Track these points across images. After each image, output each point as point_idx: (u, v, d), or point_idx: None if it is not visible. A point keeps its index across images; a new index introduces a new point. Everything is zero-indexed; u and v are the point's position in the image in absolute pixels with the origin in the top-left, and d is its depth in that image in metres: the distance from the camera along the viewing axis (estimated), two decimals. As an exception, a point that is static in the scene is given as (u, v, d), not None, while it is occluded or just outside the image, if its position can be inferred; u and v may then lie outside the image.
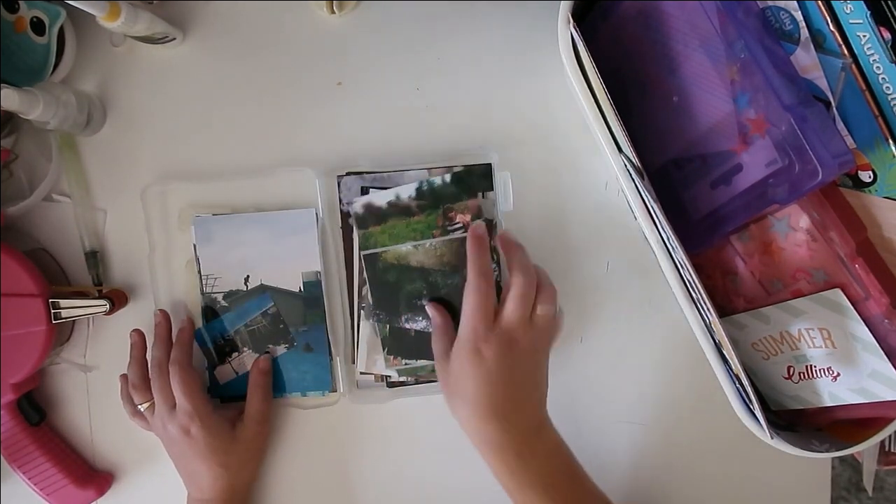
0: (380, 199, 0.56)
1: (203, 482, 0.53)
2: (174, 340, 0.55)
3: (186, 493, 0.55)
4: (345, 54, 0.58)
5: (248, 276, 0.57)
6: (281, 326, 0.57)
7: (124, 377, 0.56)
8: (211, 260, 0.57)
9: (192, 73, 0.58)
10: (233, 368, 0.57)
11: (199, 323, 0.57)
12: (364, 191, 0.57)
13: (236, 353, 0.57)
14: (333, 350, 0.57)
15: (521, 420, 0.48)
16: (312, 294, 0.57)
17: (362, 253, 0.56)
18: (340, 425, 0.59)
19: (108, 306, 0.54)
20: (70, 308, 0.53)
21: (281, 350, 0.57)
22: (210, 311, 0.57)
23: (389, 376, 0.57)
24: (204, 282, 0.56)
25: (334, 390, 0.57)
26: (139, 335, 0.56)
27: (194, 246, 0.57)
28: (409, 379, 0.57)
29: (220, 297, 0.57)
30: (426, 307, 0.55)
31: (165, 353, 0.54)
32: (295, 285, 0.57)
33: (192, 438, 0.52)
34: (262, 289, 0.56)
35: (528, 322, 0.49)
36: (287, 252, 0.56)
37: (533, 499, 0.48)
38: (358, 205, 0.56)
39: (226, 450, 0.53)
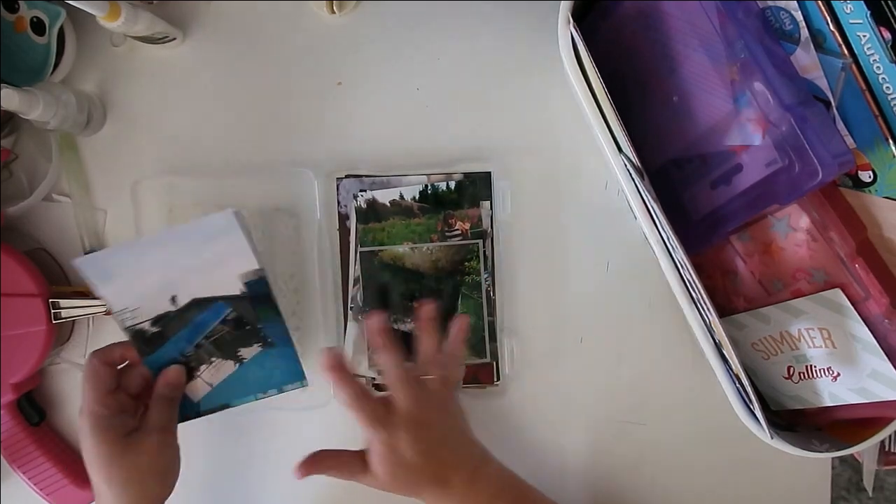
0: (383, 196, 0.56)
1: (96, 497, 0.49)
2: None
3: None
4: (345, 54, 0.58)
5: (174, 296, 0.52)
6: (248, 328, 0.53)
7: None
8: (119, 296, 0.50)
9: (192, 73, 0.58)
10: (205, 381, 0.54)
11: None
12: (362, 192, 0.57)
13: (205, 366, 0.53)
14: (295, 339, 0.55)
15: (459, 469, 0.49)
16: (258, 292, 0.52)
17: (360, 249, 0.56)
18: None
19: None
20: (70, 308, 0.53)
21: (255, 350, 0.54)
22: (142, 341, 0.52)
23: (374, 378, 0.57)
24: (120, 319, 0.51)
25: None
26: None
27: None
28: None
29: (147, 324, 0.51)
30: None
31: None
32: (235, 288, 0.52)
33: (82, 441, 0.48)
34: (197, 303, 0.52)
35: (421, 391, 0.49)
36: (213, 259, 0.51)
37: None
38: (361, 199, 0.56)
39: (110, 461, 0.47)
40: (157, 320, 0.52)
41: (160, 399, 0.51)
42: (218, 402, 0.54)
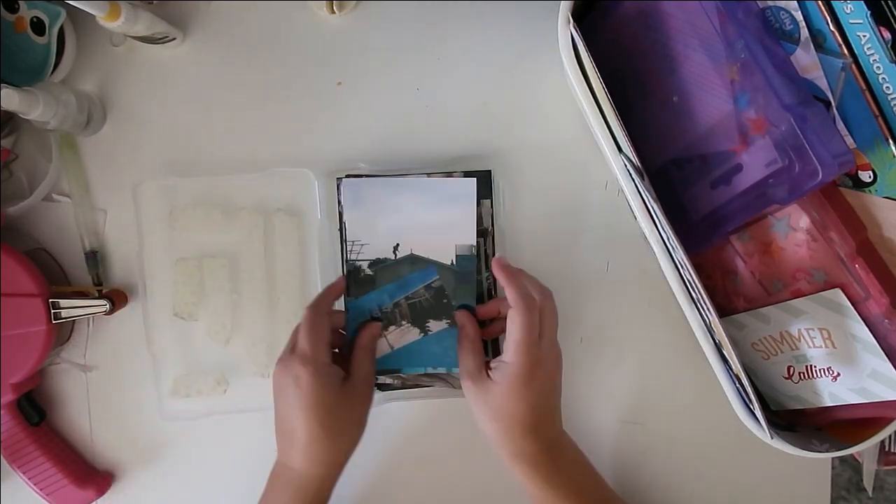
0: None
1: (297, 445, 0.48)
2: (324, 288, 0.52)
3: (275, 462, 0.51)
4: (345, 54, 0.58)
5: (397, 245, 0.55)
6: (444, 301, 0.54)
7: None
8: (357, 224, 0.54)
9: (192, 73, 0.58)
10: (388, 343, 0.55)
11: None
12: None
13: (394, 327, 0.54)
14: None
15: (549, 432, 0.50)
16: (464, 268, 0.55)
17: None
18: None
19: (108, 306, 0.54)
20: (70, 308, 0.53)
21: (442, 325, 0.55)
22: (354, 279, 0.54)
23: (376, 378, 0.57)
24: (349, 248, 0.54)
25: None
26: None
27: (340, 210, 0.55)
28: (396, 381, 0.56)
29: (365, 265, 0.55)
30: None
31: (323, 306, 0.51)
32: (447, 258, 0.55)
33: (300, 389, 0.47)
34: (412, 259, 0.54)
35: (557, 342, 0.50)
36: (442, 222, 0.54)
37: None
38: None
39: (331, 408, 0.48)
40: (374, 263, 0.55)
41: (364, 350, 0.52)
42: (393, 365, 0.55)
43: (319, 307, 0.50)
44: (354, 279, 0.55)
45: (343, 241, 0.55)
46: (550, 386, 0.50)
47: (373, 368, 0.52)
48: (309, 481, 0.49)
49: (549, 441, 0.49)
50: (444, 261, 0.55)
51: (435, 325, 0.55)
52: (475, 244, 0.55)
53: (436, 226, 0.55)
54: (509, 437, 0.48)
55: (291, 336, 0.51)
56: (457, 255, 0.55)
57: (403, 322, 0.55)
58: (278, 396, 0.49)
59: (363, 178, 0.55)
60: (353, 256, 0.55)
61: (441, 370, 0.55)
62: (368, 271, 0.55)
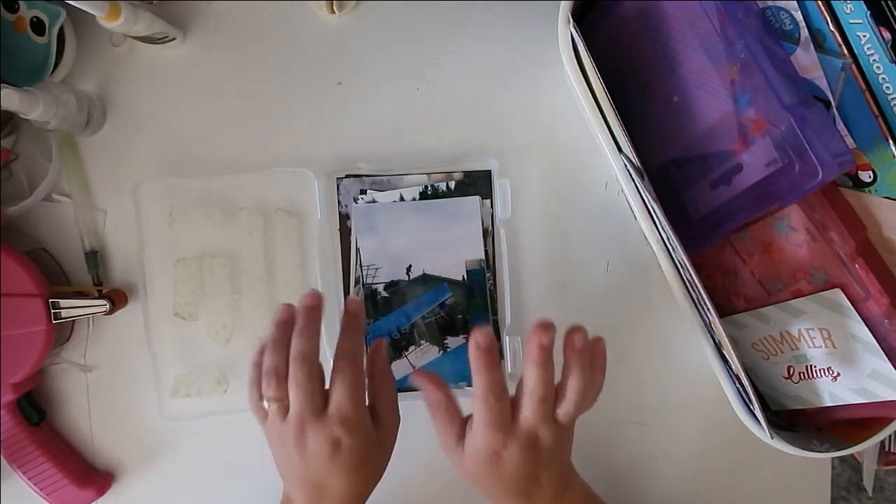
0: (383, 199, 0.56)
1: (330, 498, 0.44)
2: (343, 327, 0.45)
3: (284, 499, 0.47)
4: (345, 54, 0.58)
5: (409, 266, 0.56)
6: (459, 317, 0.56)
7: (257, 362, 0.45)
8: (371, 250, 0.56)
9: (192, 73, 0.58)
10: (409, 363, 0.56)
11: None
12: (363, 193, 0.57)
13: (413, 347, 0.56)
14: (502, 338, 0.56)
15: (547, 488, 0.45)
16: (475, 282, 0.57)
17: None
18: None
19: (108, 306, 0.54)
20: (70, 308, 0.53)
21: (460, 341, 0.56)
22: (372, 303, 0.56)
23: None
24: (364, 273, 0.56)
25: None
26: (289, 312, 0.44)
27: (353, 236, 0.56)
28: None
29: (381, 287, 0.56)
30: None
31: (314, 344, 0.43)
32: (458, 274, 0.56)
33: (340, 452, 0.42)
34: (425, 278, 0.56)
35: (551, 419, 0.43)
36: (451, 240, 0.56)
37: None
38: (361, 203, 0.56)
39: (373, 461, 0.45)
40: (389, 285, 0.57)
41: (385, 377, 0.47)
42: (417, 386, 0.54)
43: (356, 356, 0.44)
44: (373, 303, 0.56)
45: (360, 265, 0.56)
46: (548, 461, 0.44)
47: (395, 395, 0.47)
48: None
49: (547, 498, 0.45)
50: (455, 277, 0.57)
51: (453, 342, 0.56)
52: (484, 258, 0.56)
53: (445, 244, 0.57)
54: (497, 499, 0.45)
55: (298, 391, 0.42)
56: (467, 270, 0.56)
57: (422, 341, 0.57)
58: (300, 454, 0.43)
59: (375, 205, 0.56)
60: (369, 280, 0.57)
61: (463, 385, 0.57)
62: (385, 294, 0.56)
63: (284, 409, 0.43)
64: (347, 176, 0.57)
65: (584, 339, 0.44)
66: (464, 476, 0.46)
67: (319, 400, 0.42)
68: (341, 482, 0.43)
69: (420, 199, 0.57)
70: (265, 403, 0.44)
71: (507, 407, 0.43)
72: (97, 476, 0.57)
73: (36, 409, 0.56)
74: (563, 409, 0.43)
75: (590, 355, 0.44)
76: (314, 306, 0.44)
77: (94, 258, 0.57)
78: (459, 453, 0.44)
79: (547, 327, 0.42)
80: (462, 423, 0.45)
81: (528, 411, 0.42)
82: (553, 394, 0.43)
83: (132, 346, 0.58)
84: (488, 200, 0.57)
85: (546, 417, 0.43)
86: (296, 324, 0.44)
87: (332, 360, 0.44)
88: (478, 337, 0.42)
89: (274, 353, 0.43)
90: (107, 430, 0.58)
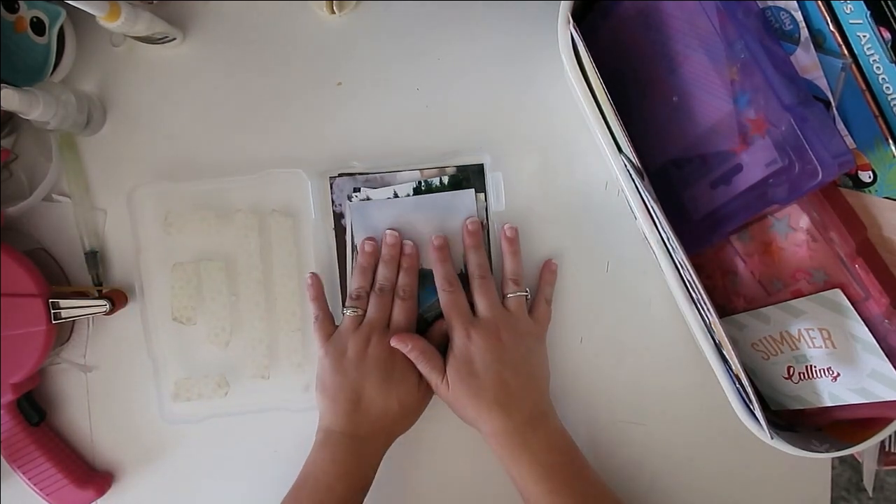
0: (377, 195, 0.56)
1: (371, 412, 0.52)
2: (402, 269, 0.55)
3: (319, 428, 0.53)
4: (345, 54, 0.58)
5: None
6: None
7: (315, 276, 0.56)
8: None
9: (192, 73, 0.58)
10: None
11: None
12: (356, 191, 0.57)
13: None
14: None
15: (523, 407, 0.51)
16: None
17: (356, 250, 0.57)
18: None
19: (108, 306, 0.54)
20: (70, 308, 0.53)
21: None
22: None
23: None
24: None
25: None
26: (373, 245, 0.56)
27: (349, 233, 0.57)
28: None
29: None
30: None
31: (394, 276, 0.55)
32: (456, 267, 0.57)
33: (393, 363, 0.52)
34: (422, 273, 0.57)
35: (501, 308, 0.53)
36: (447, 234, 0.56)
37: (533, 484, 0.50)
38: (356, 201, 0.56)
39: (410, 389, 0.53)
40: None
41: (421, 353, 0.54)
42: None
43: (413, 292, 0.55)
44: None
45: (355, 262, 0.57)
46: (512, 355, 0.51)
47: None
48: (378, 449, 0.53)
49: (522, 417, 0.51)
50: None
51: None
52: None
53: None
54: (477, 417, 0.51)
55: (377, 307, 0.54)
56: (465, 263, 0.56)
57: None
58: (359, 358, 0.52)
59: (370, 202, 0.56)
60: None
61: None
62: None
63: (359, 320, 0.54)
64: (340, 175, 0.57)
65: (514, 230, 0.56)
66: (452, 404, 0.52)
67: (386, 319, 0.54)
68: (383, 392, 0.51)
69: (413, 195, 0.57)
70: (346, 311, 0.54)
71: (462, 295, 0.54)
72: (97, 476, 0.57)
73: (36, 409, 0.56)
74: (508, 289, 0.54)
75: (518, 245, 0.56)
76: (395, 244, 0.56)
77: (94, 258, 0.57)
78: (445, 381, 0.52)
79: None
80: (441, 361, 0.53)
81: (476, 293, 0.53)
82: (490, 283, 0.54)
83: (132, 346, 0.58)
84: (482, 194, 0.57)
85: (494, 305, 0.53)
86: (380, 257, 0.56)
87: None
88: (434, 240, 0.55)
89: (364, 275, 0.55)
90: (107, 430, 0.58)
